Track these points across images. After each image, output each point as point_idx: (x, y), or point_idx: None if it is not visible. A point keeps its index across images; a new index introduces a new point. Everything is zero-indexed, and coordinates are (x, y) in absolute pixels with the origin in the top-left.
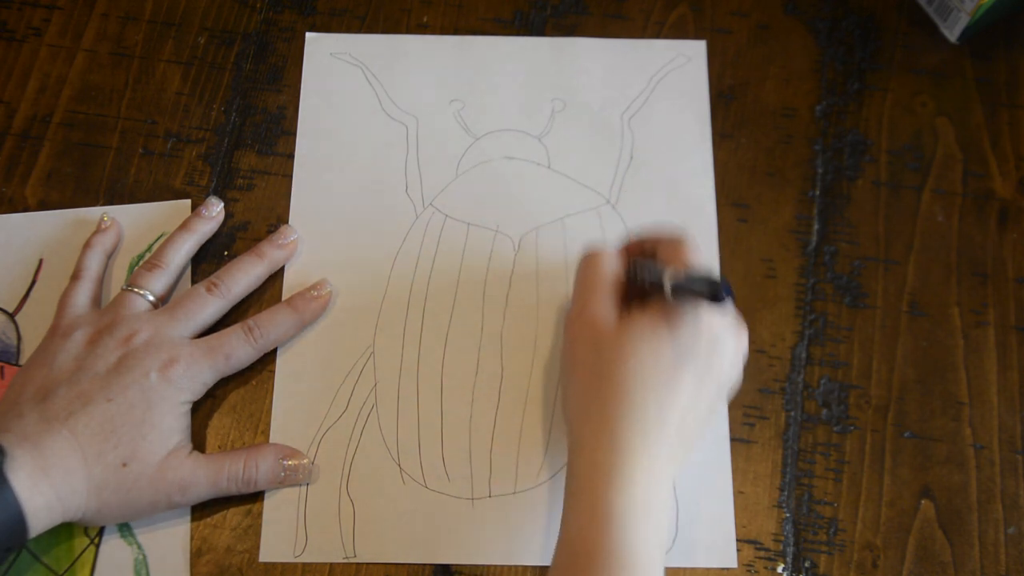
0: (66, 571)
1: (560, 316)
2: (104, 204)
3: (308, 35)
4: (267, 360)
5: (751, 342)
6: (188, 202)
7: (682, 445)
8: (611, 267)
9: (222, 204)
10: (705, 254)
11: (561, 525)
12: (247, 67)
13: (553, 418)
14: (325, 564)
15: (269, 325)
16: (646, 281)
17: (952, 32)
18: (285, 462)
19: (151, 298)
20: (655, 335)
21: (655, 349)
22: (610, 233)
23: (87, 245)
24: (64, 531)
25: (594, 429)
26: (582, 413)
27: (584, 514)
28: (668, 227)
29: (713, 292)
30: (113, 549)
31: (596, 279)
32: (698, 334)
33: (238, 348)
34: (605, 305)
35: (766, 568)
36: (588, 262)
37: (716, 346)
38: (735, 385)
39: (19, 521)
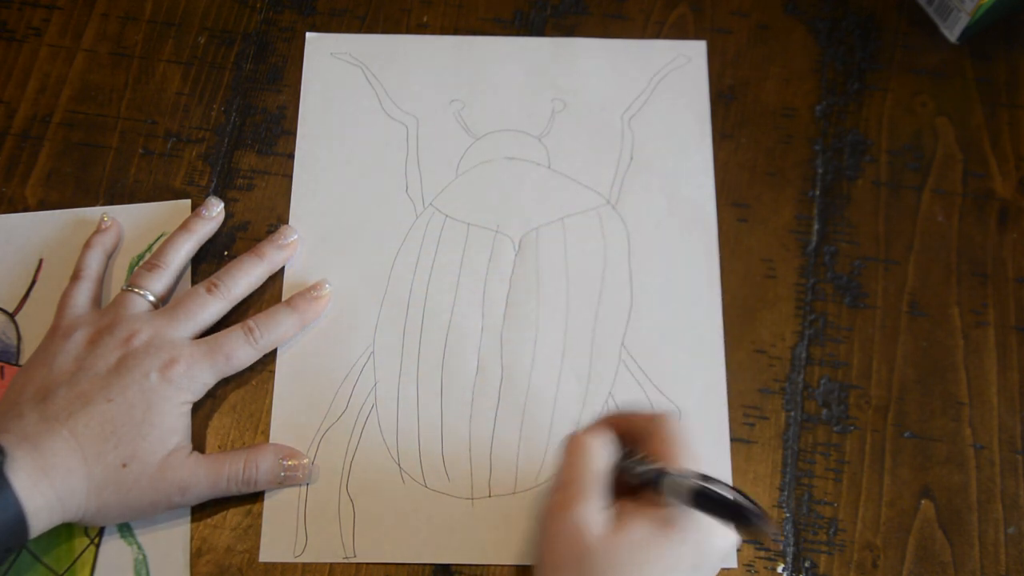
0: (66, 571)
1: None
2: (104, 204)
3: (308, 35)
4: (267, 360)
5: (751, 342)
6: (188, 202)
7: None
8: (604, 460)
9: (222, 204)
10: (699, 446)
11: None
12: (247, 67)
13: (553, 417)
14: (325, 564)
15: (269, 325)
16: (644, 482)
17: (952, 32)
18: (285, 462)
19: (151, 298)
20: (652, 545)
21: (651, 562)
22: (610, 233)
23: (87, 245)
24: (64, 531)
25: None
26: None
27: None
28: (658, 414)
29: (754, 529)
30: (113, 549)
31: (586, 474)
32: (698, 544)
33: (238, 349)
34: (594, 507)
35: (766, 568)
36: (577, 449)
37: (711, 553)
38: (717, 572)
39: (20, 521)
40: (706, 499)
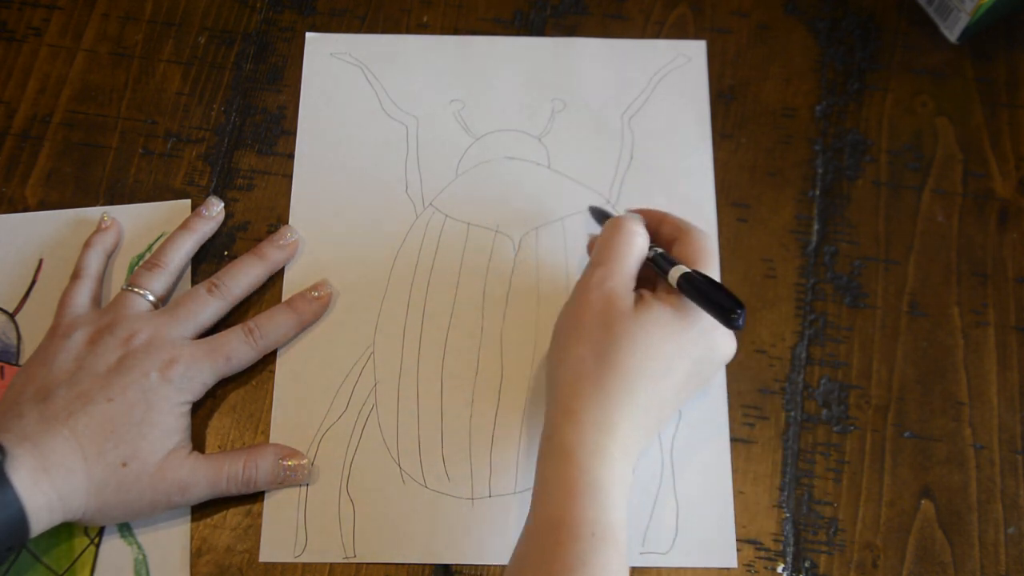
0: (66, 571)
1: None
2: (104, 204)
3: (308, 35)
4: (267, 360)
5: (751, 342)
6: (188, 202)
7: (654, 427)
8: (643, 244)
9: (222, 204)
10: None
11: (536, 495)
12: (247, 67)
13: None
14: (325, 564)
15: (269, 326)
16: (657, 264)
17: (952, 32)
18: (285, 462)
19: (151, 298)
20: (667, 327)
21: (663, 340)
22: None
23: (87, 244)
24: (64, 531)
25: (584, 404)
26: (575, 383)
27: (565, 485)
28: (687, 222)
29: (728, 318)
30: (113, 549)
31: (626, 252)
32: (702, 336)
33: (238, 349)
34: (627, 282)
35: (766, 568)
36: (622, 230)
37: (713, 352)
38: (712, 380)
39: (20, 520)
40: (694, 284)
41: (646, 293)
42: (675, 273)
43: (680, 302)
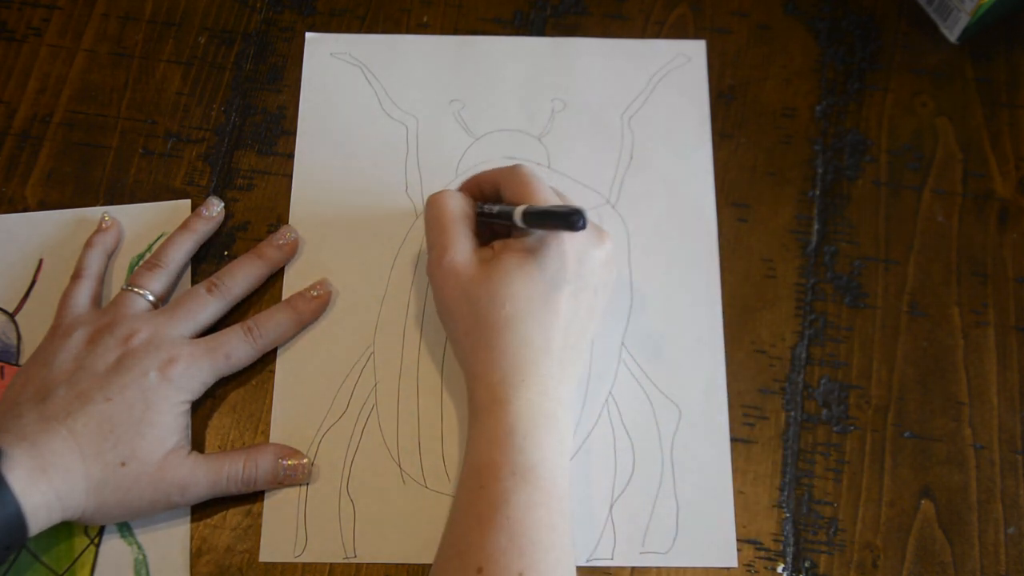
0: (66, 571)
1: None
2: (104, 204)
3: (308, 35)
4: (267, 360)
5: (751, 342)
6: (188, 202)
7: (570, 354)
8: (459, 205)
9: (222, 204)
10: (547, 185)
11: (465, 454)
12: (247, 67)
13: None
14: (325, 564)
15: (269, 325)
16: (497, 216)
17: (952, 32)
18: (285, 462)
19: (151, 298)
20: (523, 270)
21: (526, 283)
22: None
23: (88, 244)
24: (64, 531)
25: (485, 366)
26: (471, 354)
27: (485, 436)
28: (503, 167)
29: (568, 221)
30: (113, 549)
31: (447, 220)
32: (563, 256)
33: (238, 348)
34: (463, 248)
35: (766, 568)
36: (436, 204)
37: (584, 261)
38: (612, 280)
39: (18, 519)
40: (538, 215)
41: (497, 245)
42: (517, 214)
43: (527, 242)
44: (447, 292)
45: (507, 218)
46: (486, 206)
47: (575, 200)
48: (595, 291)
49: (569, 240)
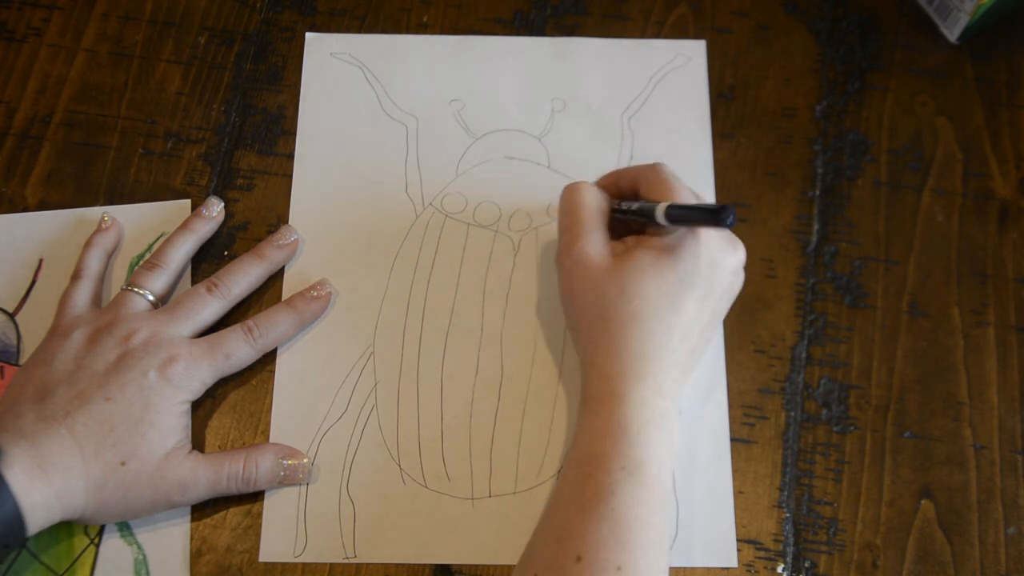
0: (66, 571)
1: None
2: (104, 204)
3: (308, 35)
4: (267, 360)
5: (751, 342)
6: (188, 202)
7: (689, 357)
8: (597, 200)
9: (222, 204)
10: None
11: (573, 442)
12: (247, 67)
13: (553, 417)
14: (325, 564)
15: (269, 325)
16: (636, 213)
17: (952, 32)
18: (285, 462)
19: (151, 298)
20: (656, 268)
21: (658, 282)
22: None
23: (88, 244)
24: (64, 531)
25: (604, 357)
26: (591, 344)
27: (597, 428)
28: (642, 164)
29: (717, 218)
30: (113, 549)
31: (583, 212)
32: (698, 258)
33: (238, 348)
34: (596, 240)
35: (766, 568)
36: (572, 194)
37: (716, 266)
38: (737, 290)
39: (16, 518)
40: (680, 210)
41: (630, 241)
42: (660, 211)
43: (663, 240)
44: (574, 281)
45: (647, 215)
46: (624, 203)
47: None
48: (721, 298)
49: (705, 244)
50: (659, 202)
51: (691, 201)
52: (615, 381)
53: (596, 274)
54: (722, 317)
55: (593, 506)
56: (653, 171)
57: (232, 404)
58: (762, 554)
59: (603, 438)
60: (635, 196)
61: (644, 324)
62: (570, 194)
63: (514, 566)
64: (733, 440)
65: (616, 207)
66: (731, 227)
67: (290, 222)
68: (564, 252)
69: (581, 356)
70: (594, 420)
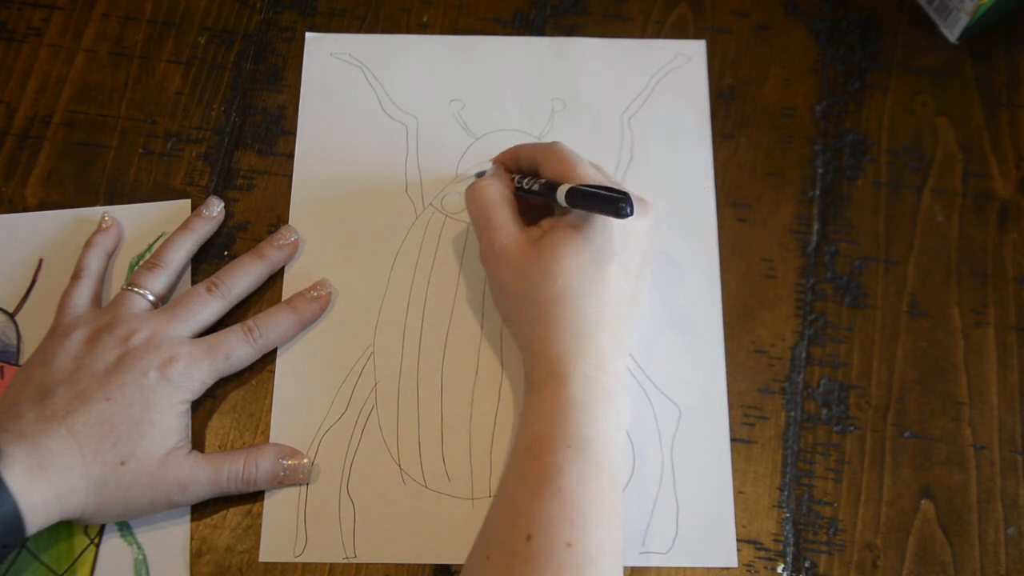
0: (66, 571)
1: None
2: (104, 204)
3: (308, 35)
4: (267, 360)
5: (751, 342)
6: (188, 202)
7: (622, 325)
8: (499, 192)
9: (222, 204)
10: (582, 157)
11: (519, 425)
12: (247, 67)
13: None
14: (325, 564)
15: (269, 325)
16: (537, 194)
17: (952, 32)
18: (285, 462)
19: (151, 297)
20: (573, 244)
21: (576, 257)
22: None
23: (88, 244)
24: (64, 530)
25: (542, 342)
26: (528, 331)
27: (542, 409)
28: (542, 143)
29: (615, 208)
30: (113, 549)
31: (491, 209)
32: (609, 230)
33: (238, 348)
34: (511, 232)
35: (766, 568)
36: (476, 195)
37: (629, 232)
38: (655, 249)
39: (15, 518)
40: (580, 195)
41: (545, 224)
42: (560, 194)
43: (574, 217)
44: (501, 275)
45: (549, 196)
46: (525, 181)
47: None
48: (642, 260)
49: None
50: (559, 182)
51: (592, 175)
52: (556, 363)
53: (518, 262)
54: (648, 280)
55: (541, 486)
56: (551, 149)
57: (232, 404)
58: (762, 554)
59: (548, 419)
60: (535, 173)
61: (573, 300)
62: (474, 195)
63: None
64: (733, 440)
65: (518, 185)
66: (628, 217)
67: (290, 222)
68: (486, 251)
69: (521, 346)
70: (539, 403)
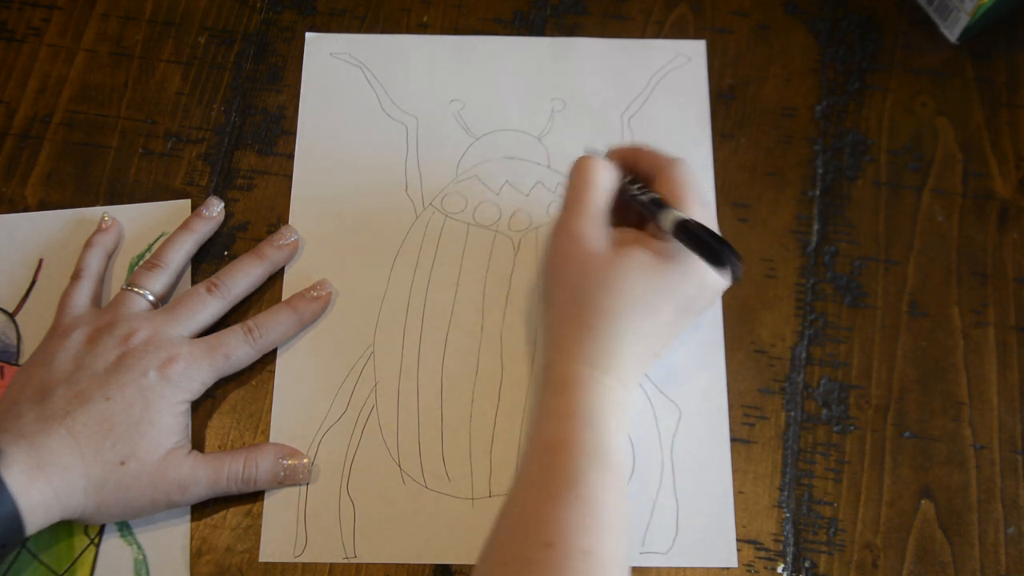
0: (66, 571)
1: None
2: (104, 204)
3: (308, 35)
4: (267, 360)
5: (751, 342)
6: (188, 202)
7: (652, 358)
8: (608, 179)
9: (222, 204)
10: (703, 184)
11: (534, 426)
12: (247, 67)
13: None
14: (325, 564)
15: (269, 325)
16: (643, 206)
17: (952, 32)
18: (285, 461)
19: (151, 298)
20: (648, 271)
21: (646, 286)
22: None
23: (88, 244)
24: (64, 530)
25: (575, 343)
26: (563, 325)
27: (561, 413)
28: (667, 154)
29: (719, 262)
30: (113, 549)
31: (591, 191)
32: (691, 275)
33: (237, 348)
34: (597, 224)
35: (766, 568)
36: (584, 170)
37: (702, 288)
38: (713, 306)
39: (15, 518)
40: (690, 233)
41: (628, 234)
42: (668, 220)
43: (662, 245)
44: (563, 258)
45: (652, 213)
46: (635, 187)
47: None
48: (698, 313)
49: (711, 274)
50: (669, 206)
51: (700, 214)
52: (582, 369)
53: (587, 258)
54: (684, 330)
55: (560, 492)
56: (675, 168)
57: (232, 404)
58: (762, 554)
59: (568, 423)
60: (647, 180)
61: (621, 321)
62: (582, 168)
63: None
64: (733, 440)
65: (626, 189)
66: (734, 280)
67: (290, 222)
68: (561, 226)
69: (547, 332)
70: (558, 404)
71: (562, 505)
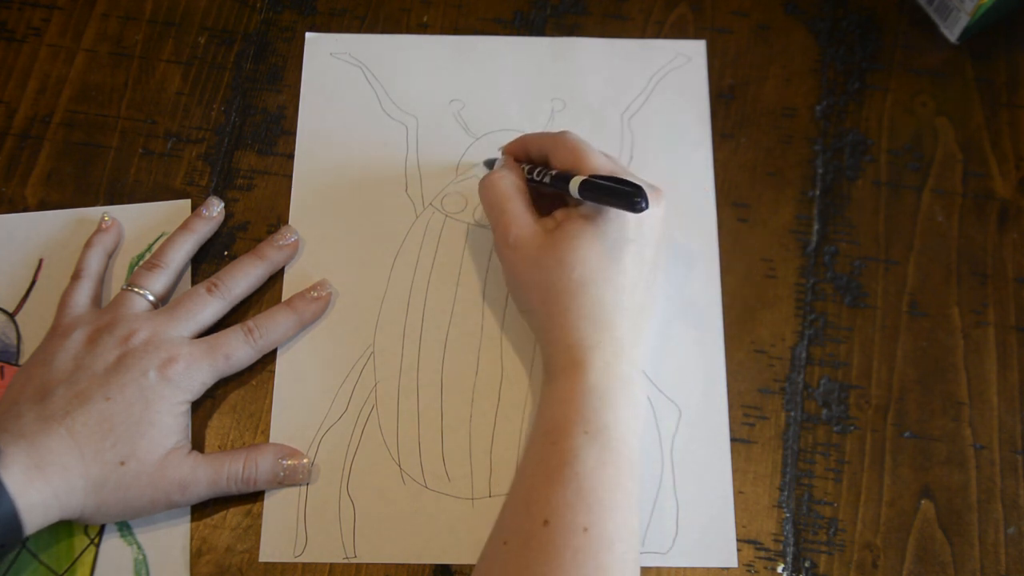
0: (66, 571)
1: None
2: (104, 204)
3: (308, 35)
4: (267, 360)
5: (751, 342)
6: (188, 202)
7: (640, 315)
8: (512, 183)
9: (222, 204)
10: (595, 148)
11: (537, 413)
12: (247, 67)
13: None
14: (325, 564)
15: (269, 326)
16: (550, 185)
17: (952, 32)
18: (285, 462)
19: (151, 298)
20: (589, 233)
21: (592, 246)
22: None
23: (88, 244)
24: (64, 530)
25: (561, 330)
26: (546, 320)
27: (560, 397)
28: (551, 133)
29: (630, 202)
30: (113, 549)
31: (503, 199)
32: (623, 219)
33: (237, 348)
34: (526, 222)
35: (766, 568)
36: (489, 187)
37: (643, 220)
38: (665, 235)
39: (14, 518)
40: (593, 190)
41: (559, 214)
42: (574, 187)
43: (588, 207)
44: (517, 266)
45: (561, 188)
46: (536, 172)
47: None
48: (656, 247)
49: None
50: (571, 172)
51: (603, 165)
52: (575, 350)
53: (534, 253)
54: (661, 266)
55: (557, 471)
56: (561, 139)
57: (232, 404)
58: (762, 554)
59: (566, 405)
60: (545, 163)
61: (591, 289)
62: (487, 187)
63: None
64: (733, 440)
65: (529, 178)
66: (643, 211)
67: (290, 222)
68: (501, 243)
69: (539, 336)
70: (556, 390)
71: (559, 483)
